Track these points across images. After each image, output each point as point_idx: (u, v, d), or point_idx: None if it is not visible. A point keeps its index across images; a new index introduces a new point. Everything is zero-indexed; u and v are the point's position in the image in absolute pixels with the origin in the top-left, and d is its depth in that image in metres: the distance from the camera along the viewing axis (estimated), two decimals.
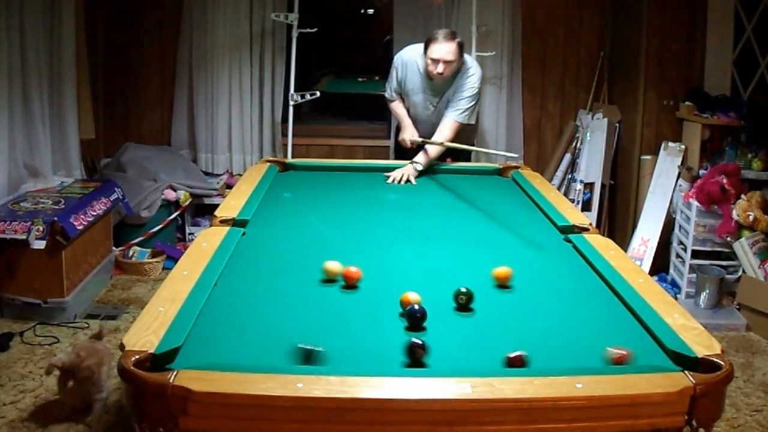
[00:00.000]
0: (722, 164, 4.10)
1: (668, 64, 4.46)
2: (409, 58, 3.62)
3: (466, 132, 3.69)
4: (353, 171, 3.49)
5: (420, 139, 3.56)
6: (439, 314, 1.82)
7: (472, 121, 3.69)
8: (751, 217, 3.81)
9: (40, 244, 3.30)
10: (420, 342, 1.54)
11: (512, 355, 1.52)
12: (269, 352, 1.59)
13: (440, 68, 3.37)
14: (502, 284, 2.04)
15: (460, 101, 3.50)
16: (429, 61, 3.40)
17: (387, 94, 3.81)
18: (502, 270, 2.04)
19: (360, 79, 5.97)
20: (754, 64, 4.30)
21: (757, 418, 2.85)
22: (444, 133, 3.48)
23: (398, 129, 3.91)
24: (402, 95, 3.74)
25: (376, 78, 5.42)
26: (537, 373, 1.45)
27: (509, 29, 4.78)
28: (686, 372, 1.46)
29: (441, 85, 3.53)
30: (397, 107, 3.76)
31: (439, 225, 2.64)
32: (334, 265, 2.02)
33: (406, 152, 3.76)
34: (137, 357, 1.44)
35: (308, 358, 1.51)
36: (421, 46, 3.53)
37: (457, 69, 3.48)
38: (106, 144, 4.88)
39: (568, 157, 4.93)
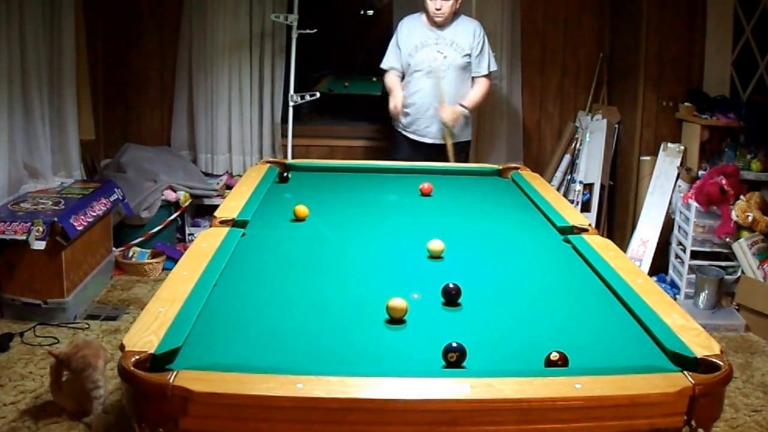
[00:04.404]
0: (721, 165, 4.10)
1: (667, 65, 4.47)
2: (410, 16, 4.15)
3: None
4: (353, 172, 3.48)
5: (400, 107, 4.01)
6: (435, 315, 1.82)
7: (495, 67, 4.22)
8: (750, 218, 3.81)
9: (40, 245, 3.30)
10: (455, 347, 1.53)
11: (553, 356, 1.52)
12: (269, 353, 1.59)
13: (438, 4, 3.88)
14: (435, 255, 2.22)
15: (481, 54, 4.05)
16: (428, 3, 3.91)
17: (384, 65, 4.15)
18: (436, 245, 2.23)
19: (346, 84, 5.94)
20: (753, 65, 4.31)
21: (756, 419, 2.85)
22: (473, 92, 4.08)
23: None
24: (404, 65, 4.07)
25: (374, 79, 5.41)
26: (536, 373, 1.45)
27: (508, 30, 4.78)
28: (685, 372, 1.46)
29: (444, 32, 3.98)
30: (391, 77, 4.12)
31: (438, 226, 2.64)
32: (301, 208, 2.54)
33: (399, 148, 4.11)
34: (137, 357, 1.44)
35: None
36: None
37: (454, 12, 3.98)
38: (106, 145, 4.88)
39: (567, 158, 4.93)
